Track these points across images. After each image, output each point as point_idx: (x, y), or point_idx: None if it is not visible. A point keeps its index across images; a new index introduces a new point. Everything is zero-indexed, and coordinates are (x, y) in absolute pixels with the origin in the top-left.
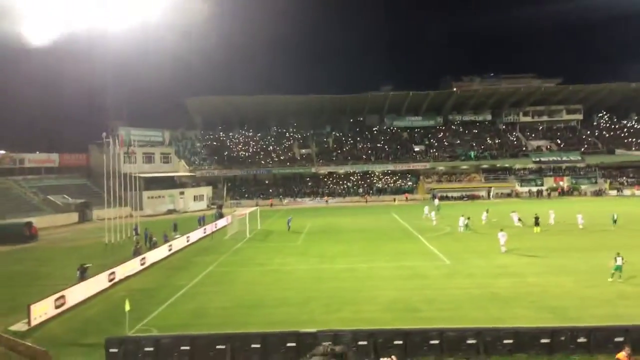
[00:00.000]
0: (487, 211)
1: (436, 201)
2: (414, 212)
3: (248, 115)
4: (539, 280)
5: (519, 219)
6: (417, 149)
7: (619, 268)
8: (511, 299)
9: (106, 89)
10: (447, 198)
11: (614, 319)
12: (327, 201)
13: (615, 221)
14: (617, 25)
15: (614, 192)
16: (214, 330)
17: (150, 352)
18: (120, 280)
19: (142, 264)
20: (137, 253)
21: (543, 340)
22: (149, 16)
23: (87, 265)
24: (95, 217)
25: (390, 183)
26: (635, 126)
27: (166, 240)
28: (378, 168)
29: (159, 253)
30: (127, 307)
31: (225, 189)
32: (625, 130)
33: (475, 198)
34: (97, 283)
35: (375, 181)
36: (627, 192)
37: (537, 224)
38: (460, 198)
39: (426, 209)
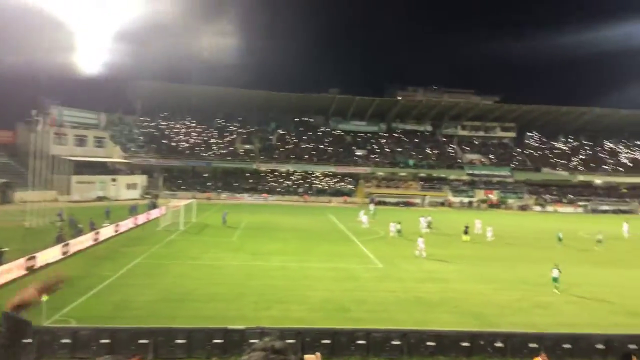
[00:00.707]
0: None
1: (371, 206)
2: (351, 214)
3: (191, 105)
4: (463, 287)
5: (428, 225)
6: (359, 153)
7: (555, 280)
8: (436, 304)
9: (39, 64)
10: (384, 203)
11: (529, 326)
12: (266, 198)
13: (560, 239)
14: (556, 50)
15: (538, 208)
16: (138, 324)
17: (67, 344)
18: (40, 267)
19: (65, 252)
20: (60, 239)
21: (463, 344)
22: None
23: (4, 249)
24: (18, 198)
25: (331, 184)
26: (561, 147)
27: (93, 227)
28: (319, 169)
29: (85, 241)
30: (45, 296)
31: (161, 179)
32: (552, 150)
33: (411, 205)
34: (15, 269)
35: (315, 182)
36: (549, 208)
37: (466, 232)
38: (397, 204)
39: (361, 212)
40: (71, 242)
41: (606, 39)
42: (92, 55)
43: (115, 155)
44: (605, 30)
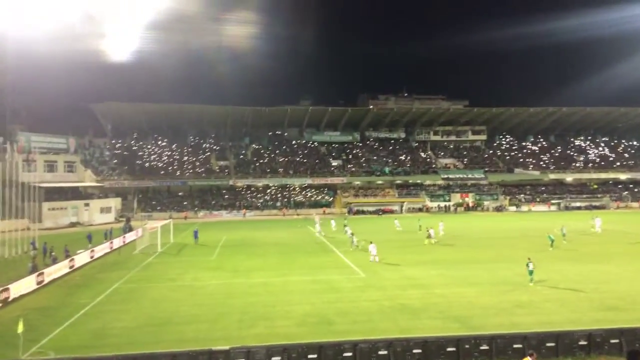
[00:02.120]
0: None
1: (332, 222)
2: (330, 225)
3: (162, 124)
4: (445, 292)
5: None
6: (334, 163)
7: (531, 272)
8: (420, 310)
9: (5, 90)
10: (362, 212)
11: (512, 327)
12: (244, 214)
13: (552, 241)
14: (522, 54)
15: (513, 208)
16: (119, 351)
17: None
18: (15, 299)
19: (39, 281)
20: (34, 269)
21: (449, 349)
22: (56, 14)
23: None
24: None
25: (308, 197)
26: (532, 147)
27: (67, 255)
28: (296, 182)
29: (60, 269)
30: (20, 328)
31: (135, 200)
32: (523, 150)
33: (390, 212)
34: None
35: (293, 195)
36: (524, 208)
37: (428, 236)
38: (376, 212)
39: (332, 222)
40: (46, 271)
41: (564, 32)
42: (57, 78)
43: (87, 180)
44: (564, 24)
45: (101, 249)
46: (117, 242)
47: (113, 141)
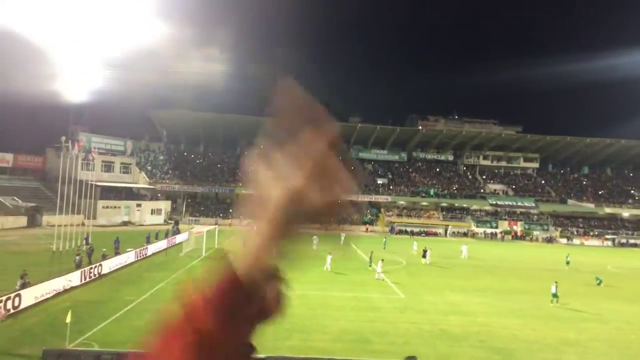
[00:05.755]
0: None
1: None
2: (372, 243)
3: (216, 132)
4: (488, 320)
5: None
6: (380, 181)
7: (555, 295)
8: (461, 338)
9: (70, 92)
10: (405, 232)
11: None
12: None
13: (568, 262)
14: (579, 87)
15: (564, 241)
16: None
17: None
18: (65, 291)
19: (89, 276)
20: (80, 263)
21: None
22: (121, 24)
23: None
24: (45, 222)
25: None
26: (587, 179)
27: (117, 252)
28: None
29: (108, 265)
30: (69, 319)
31: (184, 204)
32: (577, 181)
33: (433, 235)
34: (39, 291)
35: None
36: (576, 241)
37: (424, 256)
38: (419, 234)
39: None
40: (93, 265)
41: (627, 65)
42: (120, 85)
43: (140, 181)
44: (626, 57)
45: (149, 249)
46: (164, 244)
47: (167, 146)
